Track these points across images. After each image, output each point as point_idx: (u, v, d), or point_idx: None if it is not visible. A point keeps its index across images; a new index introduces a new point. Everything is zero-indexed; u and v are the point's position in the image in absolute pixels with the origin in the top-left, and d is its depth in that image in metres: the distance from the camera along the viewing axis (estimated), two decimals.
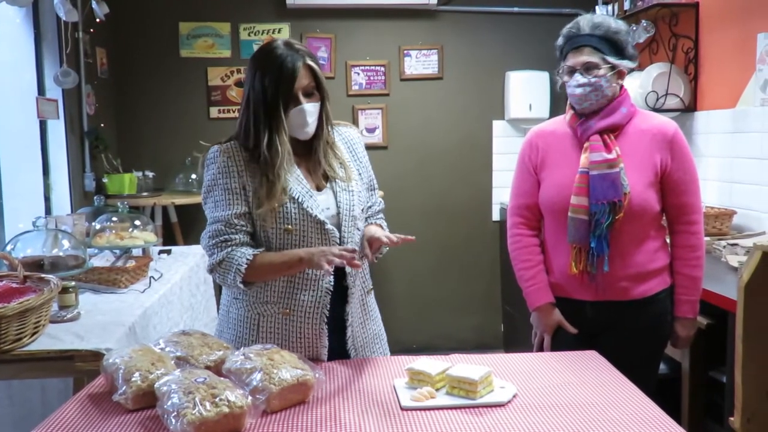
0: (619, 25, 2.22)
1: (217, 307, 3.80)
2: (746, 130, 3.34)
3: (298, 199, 1.90)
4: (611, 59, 2.19)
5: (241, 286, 1.88)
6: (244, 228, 1.90)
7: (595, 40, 2.19)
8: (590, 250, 2.19)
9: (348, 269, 1.96)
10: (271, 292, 1.94)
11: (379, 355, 2.11)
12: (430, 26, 4.86)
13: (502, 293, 5.05)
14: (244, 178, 1.89)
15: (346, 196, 1.98)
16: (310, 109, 1.90)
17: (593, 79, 2.18)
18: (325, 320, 1.96)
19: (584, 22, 2.22)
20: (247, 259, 1.85)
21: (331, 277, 1.94)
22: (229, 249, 1.87)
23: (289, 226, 1.89)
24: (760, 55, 3.20)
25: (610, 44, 2.19)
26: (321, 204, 1.94)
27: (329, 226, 1.92)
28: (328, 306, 1.96)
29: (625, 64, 2.21)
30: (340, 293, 1.98)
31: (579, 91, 2.20)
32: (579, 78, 2.19)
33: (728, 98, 3.49)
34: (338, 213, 1.96)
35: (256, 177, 1.89)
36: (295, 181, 1.93)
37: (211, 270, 1.91)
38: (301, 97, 1.89)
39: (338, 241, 1.95)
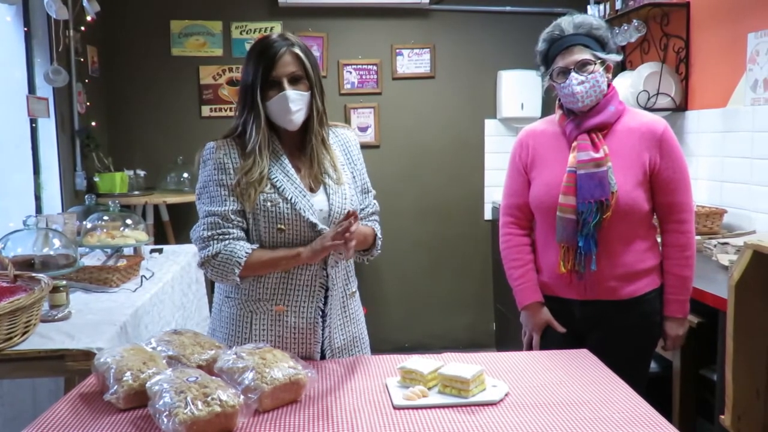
0: (599, 21, 2.26)
1: (209, 306, 3.79)
2: (737, 129, 3.35)
3: (291, 199, 1.90)
4: (600, 54, 2.21)
5: (238, 279, 1.88)
6: (240, 224, 1.90)
7: (582, 38, 2.21)
8: (578, 250, 2.20)
9: (331, 273, 1.97)
10: (264, 289, 1.94)
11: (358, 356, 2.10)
12: (423, 25, 4.86)
13: (494, 292, 5.06)
14: (240, 176, 1.90)
15: (339, 199, 1.98)
16: (293, 95, 1.90)
17: (590, 76, 2.19)
18: (320, 314, 1.97)
19: (565, 23, 2.24)
20: (247, 252, 1.86)
21: (325, 272, 1.96)
22: (226, 242, 1.87)
23: (282, 226, 1.89)
24: (750, 54, 3.22)
25: (595, 40, 2.22)
26: (315, 205, 1.94)
27: (321, 227, 1.92)
28: (323, 302, 1.97)
29: (612, 57, 2.24)
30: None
31: (580, 89, 2.18)
32: (577, 76, 2.19)
33: (719, 98, 3.50)
34: (330, 215, 1.96)
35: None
36: (288, 181, 1.93)
37: (204, 263, 1.89)
38: (285, 83, 1.90)
39: None
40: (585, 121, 2.22)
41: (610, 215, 2.16)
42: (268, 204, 1.89)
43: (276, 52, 1.89)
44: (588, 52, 2.20)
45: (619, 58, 2.27)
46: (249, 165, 1.90)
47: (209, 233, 1.88)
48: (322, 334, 1.99)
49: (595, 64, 2.19)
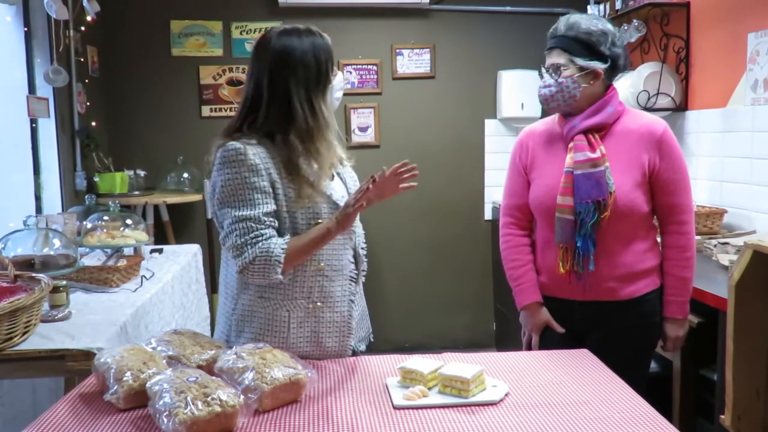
0: (594, 25, 2.20)
1: (209, 306, 3.78)
2: (737, 129, 3.35)
3: (326, 192, 1.93)
4: (579, 60, 2.19)
5: (281, 277, 1.85)
6: (272, 224, 1.87)
7: (565, 41, 2.20)
8: (576, 250, 2.20)
9: (358, 250, 2.04)
10: (301, 288, 1.94)
11: (365, 330, 2.19)
12: (423, 25, 4.86)
13: (494, 292, 5.06)
14: (272, 176, 1.87)
15: (351, 182, 2.07)
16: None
17: (560, 80, 2.20)
18: (354, 306, 2.01)
19: (562, 22, 2.24)
20: (282, 249, 1.83)
21: (353, 264, 2.01)
22: (260, 244, 1.83)
23: (321, 220, 1.90)
24: (750, 54, 3.22)
25: (582, 45, 2.19)
26: (340, 192, 1.99)
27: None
28: (355, 294, 2.01)
29: (594, 64, 2.19)
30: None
31: (544, 92, 2.24)
32: (546, 79, 2.23)
33: (719, 97, 3.50)
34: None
35: (287, 168, 1.89)
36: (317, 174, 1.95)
37: (243, 270, 1.85)
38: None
39: (354, 228, 2.02)
40: (582, 121, 2.22)
41: (608, 215, 2.15)
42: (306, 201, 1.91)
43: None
44: (564, 57, 2.20)
45: (602, 65, 2.19)
46: (327, 157, 1.91)
47: (242, 240, 1.83)
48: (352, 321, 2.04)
49: (568, 69, 2.19)
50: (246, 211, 1.84)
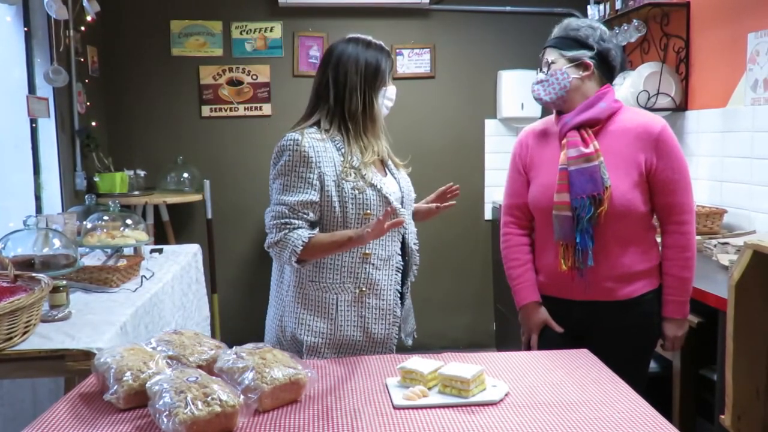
0: (583, 22, 2.26)
1: (209, 306, 3.78)
2: (737, 129, 3.35)
3: (376, 185, 2.05)
4: (567, 53, 2.23)
5: (296, 264, 2.01)
6: (305, 216, 2.01)
7: (556, 40, 2.27)
8: (576, 246, 2.20)
9: (411, 245, 2.17)
10: (348, 273, 2.06)
11: (411, 326, 2.33)
12: (423, 25, 4.86)
13: (495, 292, 5.06)
14: (322, 169, 2.01)
15: (405, 181, 2.19)
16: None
17: (549, 72, 2.25)
18: (399, 295, 2.14)
19: (557, 26, 2.31)
20: (303, 242, 1.96)
21: (399, 256, 2.14)
22: (286, 231, 1.99)
23: (369, 212, 2.02)
24: (750, 54, 3.22)
25: (570, 40, 2.24)
26: (392, 188, 2.11)
27: (403, 210, 2.10)
28: (400, 284, 2.13)
29: (581, 53, 2.23)
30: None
31: (536, 87, 2.29)
32: (539, 75, 2.28)
33: (719, 97, 3.50)
34: (402, 197, 2.14)
35: (342, 155, 2.05)
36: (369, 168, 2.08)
37: (269, 246, 2.04)
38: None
39: (406, 225, 2.14)
40: (573, 117, 2.23)
41: (605, 210, 2.15)
42: (356, 192, 2.03)
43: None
44: (555, 53, 2.25)
45: (588, 53, 2.22)
46: (369, 143, 2.09)
47: (274, 222, 2.01)
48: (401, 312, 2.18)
49: (558, 62, 2.23)
50: (285, 196, 2.01)
